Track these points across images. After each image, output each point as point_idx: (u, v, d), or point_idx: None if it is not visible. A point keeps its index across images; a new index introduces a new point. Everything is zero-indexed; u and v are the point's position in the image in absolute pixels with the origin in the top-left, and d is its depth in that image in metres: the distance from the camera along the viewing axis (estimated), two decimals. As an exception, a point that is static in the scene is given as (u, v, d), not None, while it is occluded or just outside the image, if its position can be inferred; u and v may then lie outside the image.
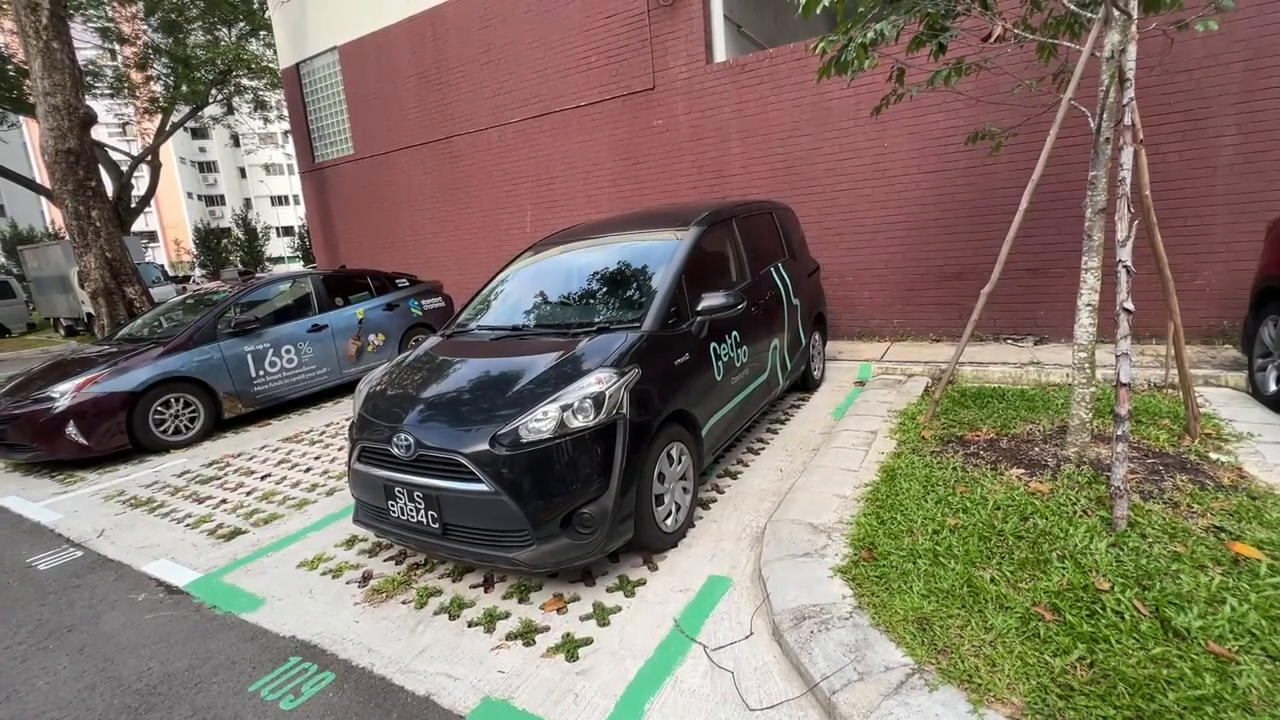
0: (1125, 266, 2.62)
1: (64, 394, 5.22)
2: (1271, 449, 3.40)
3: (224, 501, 4.41)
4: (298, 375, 6.66)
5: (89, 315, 14.66)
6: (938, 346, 6.53)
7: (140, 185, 20.66)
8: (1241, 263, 5.22)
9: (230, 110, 20.64)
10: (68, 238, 10.71)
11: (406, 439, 2.83)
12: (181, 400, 5.76)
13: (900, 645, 2.12)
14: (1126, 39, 2.73)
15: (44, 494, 4.91)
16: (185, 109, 19.24)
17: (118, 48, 17.50)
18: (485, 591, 2.95)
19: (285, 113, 14.16)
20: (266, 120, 21.78)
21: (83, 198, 9.35)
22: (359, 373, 7.07)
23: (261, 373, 6.33)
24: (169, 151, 49.64)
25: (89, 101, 10.01)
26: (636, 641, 2.48)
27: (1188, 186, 5.43)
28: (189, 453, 5.62)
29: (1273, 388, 4.04)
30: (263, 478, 4.81)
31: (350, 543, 3.58)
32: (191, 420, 5.85)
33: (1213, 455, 3.30)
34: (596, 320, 3.46)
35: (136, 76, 18.08)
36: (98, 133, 11.33)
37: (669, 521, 3.11)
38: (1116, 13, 2.84)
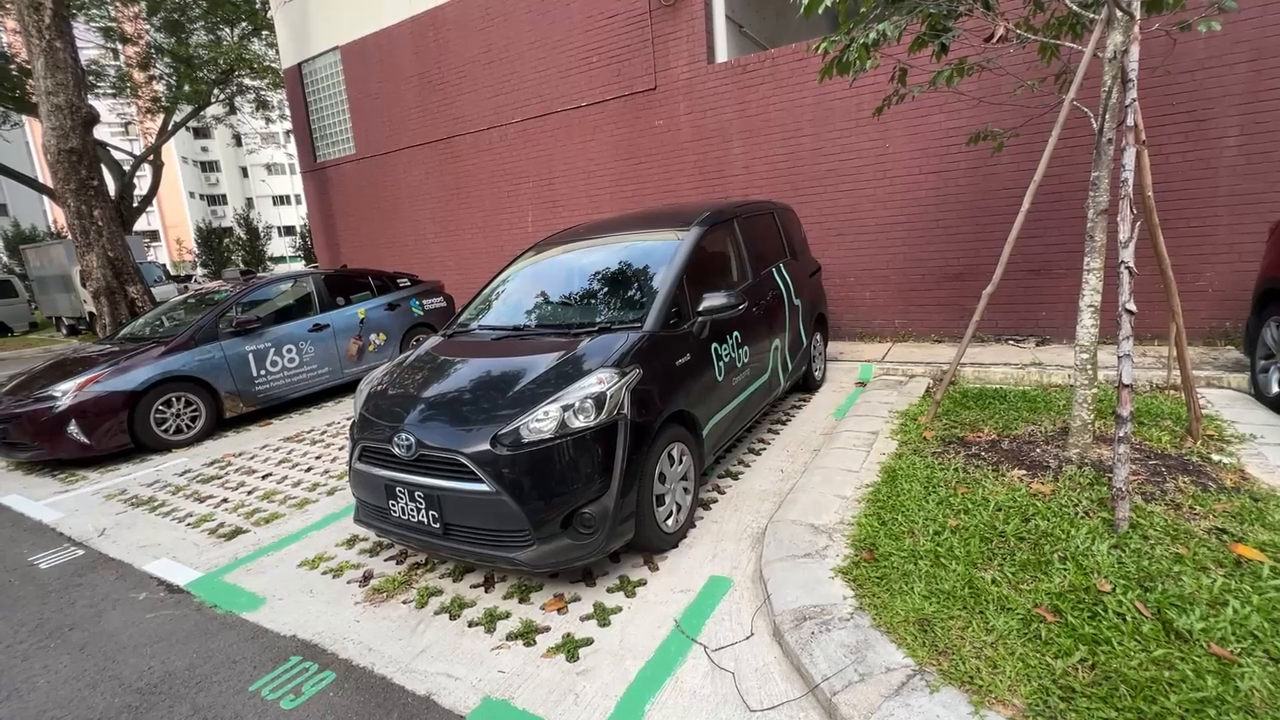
0: (1127, 267, 2.62)
1: (65, 393, 5.22)
2: (1274, 450, 3.39)
3: (225, 501, 4.41)
4: (299, 375, 6.66)
5: (91, 314, 14.67)
6: (939, 347, 6.53)
7: (142, 185, 20.67)
8: (1244, 264, 5.22)
9: (232, 110, 20.67)
10: (70, 237, 10.71)
11: (407, 439, 2.83)
12: (183, 399, 5.77)
13: (901, 646, 2.12)
14: (1129, 39, 2.72)
15: (45, 493, 4.91)
16: (187, 109, 19.27)
17: (120, 47, 17.54)
18: (486, 591, 2.95)
19: (287, 112, 14.19)
20: (268, 120, 21.79)
21: (85, 197, 9.37)
22: (360, 372, 7.07)
23: (263, 372, 6.34)
24: (171, 151, 49.79)
25: (91, 101, 10.01)
26: (637, 642, 2.48)
27: (1190, 187, 5.42)
28: (190, 452, 5.63)
29: (1275, 389, 4.03)
30: (264, 477, 4.82)
31: (351, 542, 3.58)
32: (193, 419, 5.86)
33: (1215, 457, 3.30)
34: (598, 320, 3.46)
35: (139, 76, 18.13)
36: (100, 132, 11.35)
37: (670, 522, 3.10)
38: (1119, 13, 2.83)
